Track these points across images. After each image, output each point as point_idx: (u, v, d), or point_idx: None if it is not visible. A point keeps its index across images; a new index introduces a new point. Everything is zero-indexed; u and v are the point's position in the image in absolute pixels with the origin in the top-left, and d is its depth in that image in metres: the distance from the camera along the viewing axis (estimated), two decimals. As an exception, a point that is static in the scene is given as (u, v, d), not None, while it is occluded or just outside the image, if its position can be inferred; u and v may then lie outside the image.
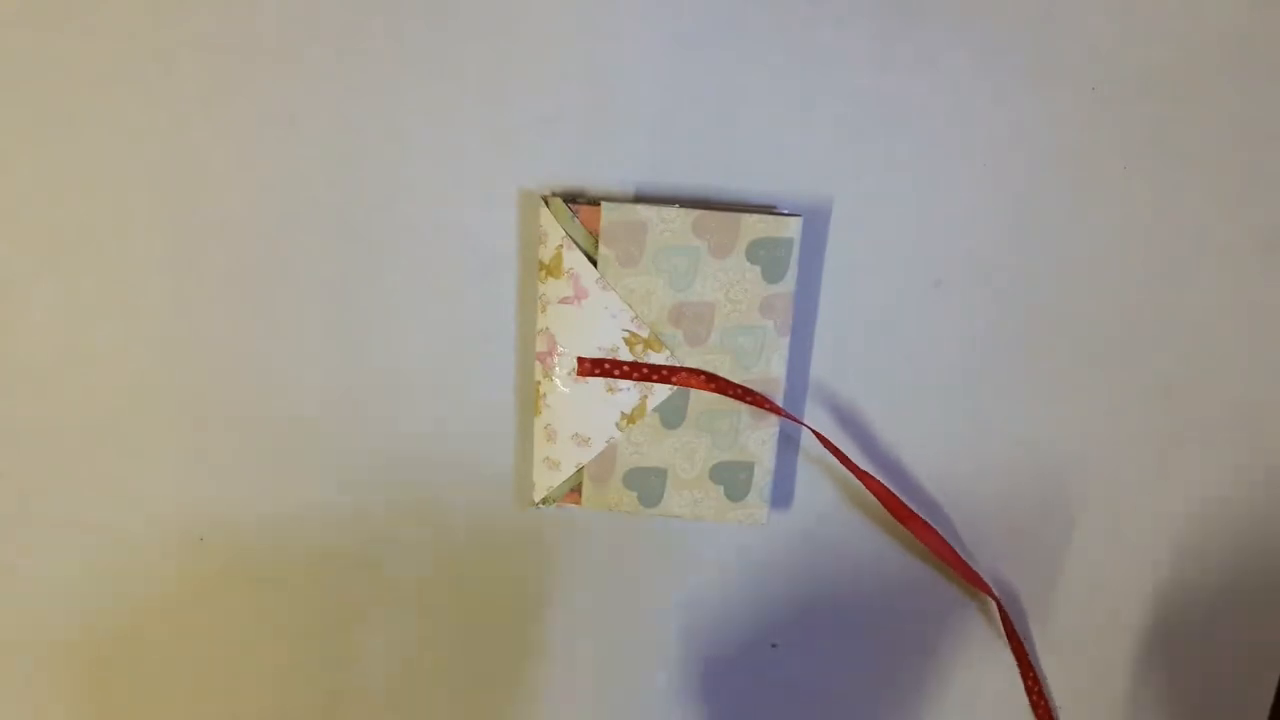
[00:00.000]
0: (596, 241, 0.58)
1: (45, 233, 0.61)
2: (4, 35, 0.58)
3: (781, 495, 0.64)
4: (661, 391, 0.60)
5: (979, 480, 0.63)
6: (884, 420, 0.63)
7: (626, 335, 0.59)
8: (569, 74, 0.58)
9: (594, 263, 0.58)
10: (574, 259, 0.58)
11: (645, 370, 0.59)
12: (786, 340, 0.59)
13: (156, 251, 0.62)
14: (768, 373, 0.59)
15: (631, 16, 0.57)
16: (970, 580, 0.64)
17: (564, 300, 0.59)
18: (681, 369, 0.59)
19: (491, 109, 0.58)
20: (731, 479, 0.61)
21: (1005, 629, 0.65)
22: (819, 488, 0.64)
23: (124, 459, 0.65)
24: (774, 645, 0.67)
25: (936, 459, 0.63)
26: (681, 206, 0.57)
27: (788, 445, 0.63)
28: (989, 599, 0.65)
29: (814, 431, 0.61)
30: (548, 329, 0.59)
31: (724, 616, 0.67)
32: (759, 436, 0.60)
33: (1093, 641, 0.66)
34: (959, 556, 0.63)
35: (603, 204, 0.57)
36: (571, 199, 0.58)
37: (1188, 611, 0.65)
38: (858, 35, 0.57)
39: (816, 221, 0.59)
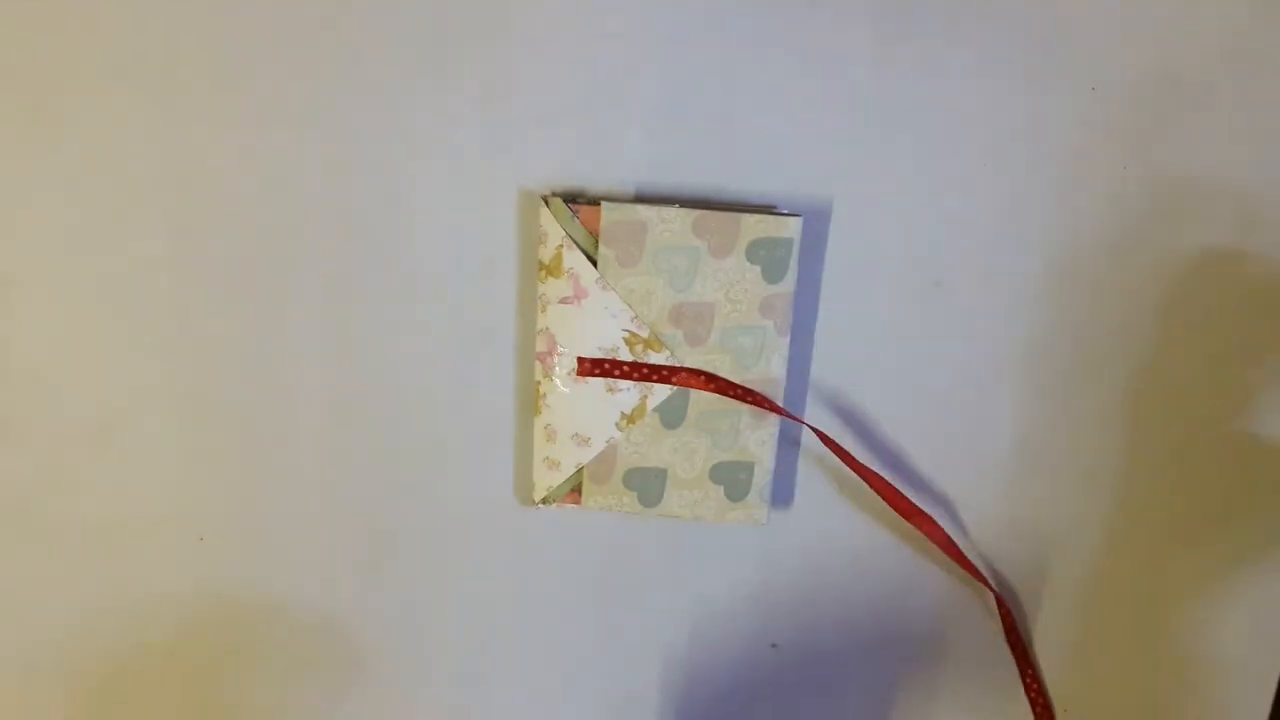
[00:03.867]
0: (596, 241, 0.58)
1: (45, 233, 0.61)
2: (3, 35, 0.58)
3: (781, 495, 0.64)
4: (661, 391, 0.60)
5: (978, 480, 0.63)
6: (884, 420, 0.63)
7: (626, 335, 0.59)
8: (569, 74, 0.58)
9: (594, 263, 0.58)
10: (574, 259, 0.58)
11: (645, 370, 0.59)
12: (786, 340, 0.59)
13: (156, 251, 0.62)
14: (768, 373, 0.59)
15: (631, 16, 0.57)
16: (971, 573, 0.63)
17: (564, 300, 0.59)
18: (681, 369, 0.59)
19: (491, 109, 0.58)
20: (731, 479, 0.61)
21: (1005, 625, 0.65)
22: (819, 487, 0.64)
23: (124, 459, 0.65)
24: (774, 645, 0.67)
25: (936, 458, 0.63)
26: (681, 206, 0.57)
27: (788, 445, 0.63)
28: (989, 598, 0.65)
29: (814, 430, 0.61)
30: (548, 329, 0.59)
31: (724, 616, 0.67)
32: (759, 437, 0.60)
33: (1092, 640, 0.66)
34: (960, 551, 0.63)
35: (603, 204, 0.57)
36: (571, 199, 0.58)
37: (1187, 611, 0.65)
38: (858, 35, 0.56)
39: (816, 221, 0.59)
